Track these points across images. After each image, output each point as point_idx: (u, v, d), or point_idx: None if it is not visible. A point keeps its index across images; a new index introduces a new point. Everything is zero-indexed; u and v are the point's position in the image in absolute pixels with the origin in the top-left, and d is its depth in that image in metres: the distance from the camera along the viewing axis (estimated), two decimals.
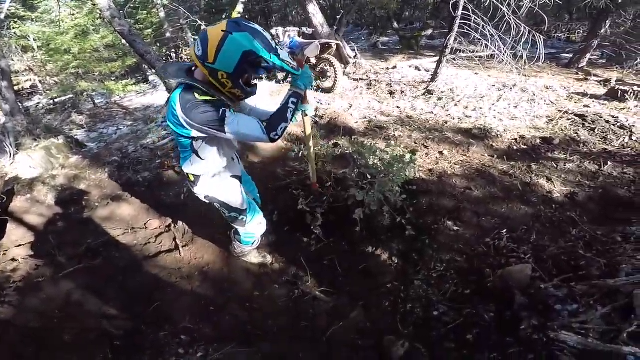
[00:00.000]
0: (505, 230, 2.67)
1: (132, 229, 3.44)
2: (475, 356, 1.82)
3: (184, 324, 2.41)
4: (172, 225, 3.39)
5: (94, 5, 4.17)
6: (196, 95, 1.73)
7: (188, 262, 2.99)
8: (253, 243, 2.71)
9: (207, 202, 2.32)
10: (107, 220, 3.58)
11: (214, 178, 2.19)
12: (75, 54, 8.28)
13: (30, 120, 5.87)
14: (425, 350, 1.98)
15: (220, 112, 1.73)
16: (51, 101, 9.03)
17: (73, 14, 8.74)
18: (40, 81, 9.75)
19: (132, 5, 11.45)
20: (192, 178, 2.18)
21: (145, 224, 3.48)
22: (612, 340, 1.42)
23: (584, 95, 5.18)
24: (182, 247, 3.11)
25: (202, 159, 2.05)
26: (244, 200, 2.37)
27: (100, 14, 4.42)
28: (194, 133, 1.84)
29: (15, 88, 8.36)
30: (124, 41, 4.79)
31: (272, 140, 1.83)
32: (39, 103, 9.48)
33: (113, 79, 9.57)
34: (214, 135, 1.85)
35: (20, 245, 3.26)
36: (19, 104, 6.57)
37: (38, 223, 3.56)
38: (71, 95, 8.68)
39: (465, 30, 5.02)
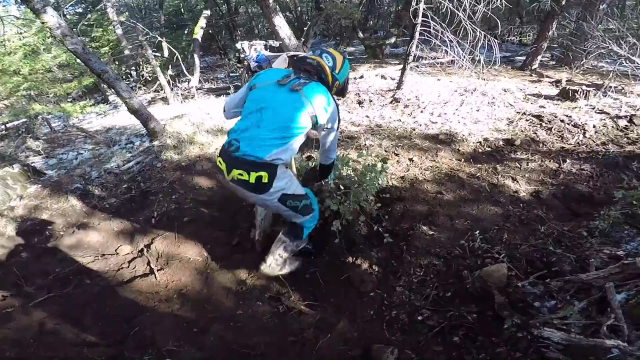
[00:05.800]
0: (478, 232, 2.75)
1: (102, 255, 3.31)
2: (465, 358, 1.85)
3: (167, 347, 2.30)
4: (145, 249, 3.27)
5: (42, 23, 3.90)
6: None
7: (165, 285, 2.89)
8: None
9: (279, 203, 2.17)
10: (75, 248, 3.43)
11: (287, 169, 2.23)
12: (26, 75, 7.71)
13: None
14: (415, 355, 1.99)
15: None
16: (2, 126, 8.45)
17: (21, 33, 8.18)
18: None
19: (85, 23, 10.99)
20: (265, 179, 1.99)
21: (116, 250, 3.35)
22: (594, 334, 1.48)
23: (539, 96, 5.46)
24: (157, 270, 3.00)
25: (292, 149, 2.09)
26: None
27: (50, 33, 4.15)
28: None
29: None
30: (79, 60, 4.54)
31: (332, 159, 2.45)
32: None
33: (69, 100, 9.07)
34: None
35: None
36: None
37: None
38: (25, 120, 8.15)
39: (426, 37, 5.16)
